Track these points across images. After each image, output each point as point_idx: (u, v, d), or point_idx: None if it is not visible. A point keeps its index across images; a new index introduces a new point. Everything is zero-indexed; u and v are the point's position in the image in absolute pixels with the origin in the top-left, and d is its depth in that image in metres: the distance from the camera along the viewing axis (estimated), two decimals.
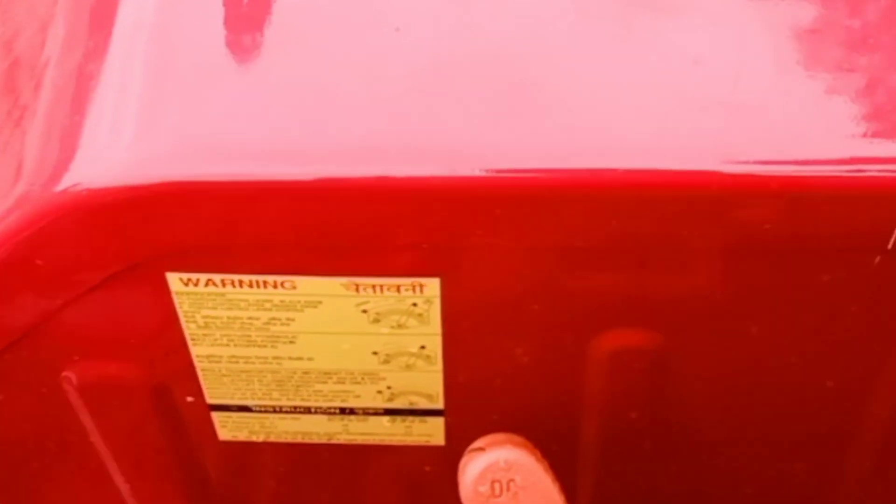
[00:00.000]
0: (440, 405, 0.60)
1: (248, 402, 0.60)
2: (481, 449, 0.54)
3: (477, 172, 0.47)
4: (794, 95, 0.48)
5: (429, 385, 0.59)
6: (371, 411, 0.61)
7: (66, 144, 0.50)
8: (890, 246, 0.49)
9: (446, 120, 0.48)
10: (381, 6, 0.51)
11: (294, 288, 0.53)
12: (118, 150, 0.49)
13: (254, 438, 0.63)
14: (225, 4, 0.52)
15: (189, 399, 0.60)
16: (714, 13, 0.51)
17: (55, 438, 0.63)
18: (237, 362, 0.57)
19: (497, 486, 0.53)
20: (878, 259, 0.50)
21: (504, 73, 0.49)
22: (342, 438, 0.63)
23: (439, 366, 0.57)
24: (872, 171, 0.47)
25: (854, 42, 0.50)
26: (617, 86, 0.49)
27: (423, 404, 0.60)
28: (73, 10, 0.54)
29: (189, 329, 0.55)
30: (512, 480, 0.53)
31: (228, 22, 0.51)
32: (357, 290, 0.53)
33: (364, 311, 0.54)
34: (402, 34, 0.50)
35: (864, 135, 0.48)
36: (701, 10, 0.51)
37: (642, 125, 0.48)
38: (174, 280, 0.52)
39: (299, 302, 0.53)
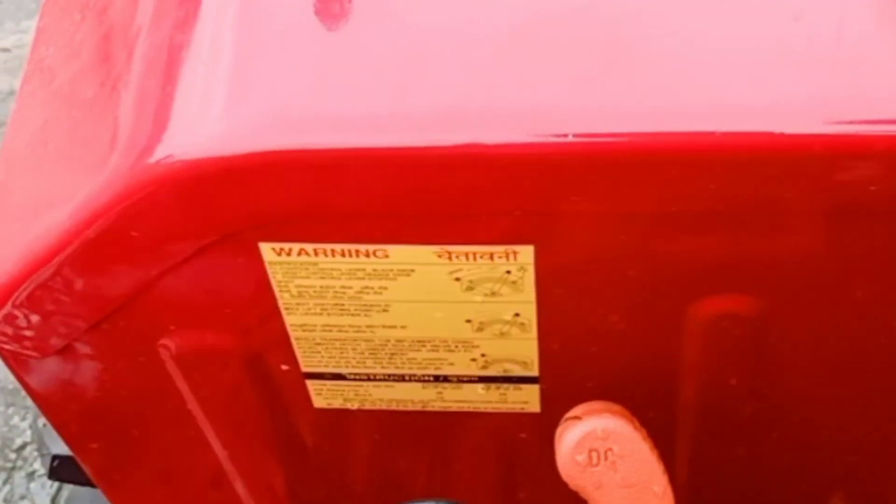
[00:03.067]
0: (535, 372, 0.60)
1: (342, 370, 0.60)
2: (578, 418, 0.53)
3: (570, 138, 0.46)
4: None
5: (523, 352, 0.58)
6: (465, 379, 0.60)
7: (159, 115, 0.50)
8: None
9: (537, 82, 0.47)
10: None
11: (386, 256, 0.52)
12: (210, 120, 0.49)
13: (348, 406, 0.63)
14: None
15: (284, 367, 0.60)
16: None
17: (154, 406, 0.63)
18: (331, 331, 0.57)
19: (594, 455, 0.52)
20: None
21: (596, 32, 0.48)
22: (436, 406, 0.63)
23: (534, 333, 0.57)
24: None
25: None
26: (714, 45, 0.47)
27: (518, 371, 0.60)
28: None
29: (283, 298, 0.55)
30: (610, 449, 0.52)
31: None
32: (450, 257, 0.52)
33: (457, 280, 0.53)
34: None
35: None
36: None
37: (741, 85, 0.47)
38: (267, 250, 0.52)
39: (392, 270, 0.53)
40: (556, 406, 0.59)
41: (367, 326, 0.57)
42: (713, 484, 0.68)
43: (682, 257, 0.52)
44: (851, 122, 0.46)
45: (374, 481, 0.72)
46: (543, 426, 0.63)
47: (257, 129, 0.48)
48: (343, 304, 0.55)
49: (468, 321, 0.56)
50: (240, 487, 0.70)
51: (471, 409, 0.63)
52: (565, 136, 0.46)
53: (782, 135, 0.46)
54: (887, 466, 0.66)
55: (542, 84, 0.47)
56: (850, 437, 0.64)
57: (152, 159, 0.49)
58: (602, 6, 0.49)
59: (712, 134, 0.46)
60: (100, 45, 0.58)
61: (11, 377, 0.61)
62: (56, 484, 1.29)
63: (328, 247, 0.52)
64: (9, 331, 0.55)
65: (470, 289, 0.54)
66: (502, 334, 0.57)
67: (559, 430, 0.54)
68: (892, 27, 0.47)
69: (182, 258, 0.52)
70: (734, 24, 0.48)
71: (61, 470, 0.86)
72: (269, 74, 0.49)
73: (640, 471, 0.52)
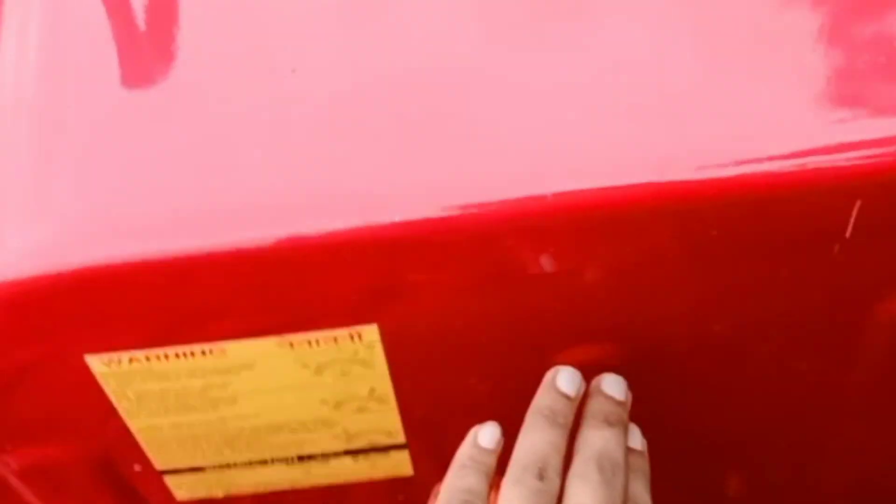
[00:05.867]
0: (401, 440, 0.57)
1: (200, 463, 0.57)
2: None
3: (396, 218, 0.44)
4: (722, 92, 0.45)
5: (386, 423, 0.56)
6: (331, 454, 0.58)
7: None
8: (848, 234, 0.46)
9: (358, 164, 0.45)
10: (274, 46, 0.47)
11: (224, 354, 0.49)
12: (13, 238, 0.45)
13: (214, 495, 0.60)
14: (108, 69, 0.48)
15: (137, 468, 0.57)
16: (627, 11, 0.47)
17: None
18: (179, 428, 0.54)
19: None
20: (836, 247, 0.47)
21: (414, 105, 0.46)
22: (306, 483, 0.60)
23: (393, 404, 0.54)
24: (817, 162, 0.44)
25: (780, 30, 0.46)
26: (534, 105, 0.45)
27: (384, 441, 0.57)
28: None
29: (121, 405, 0.52)
30: None
31: (115, 87, 0.47)
32: (292, 346, 0.49)
33: (304, 366, 0.51)
34: (300, 75, 0.47)
35: (803, 126, 0.44)
36: (613, 9, 0.47)
37: (565, 143, 0.45)
38: (95, 363, 0.49)
39: (233, 366, 0.50)
40: (430, 467, 0.57)
41: (218, 419, 0.54)
42: None
43: (533, 317, 0.50)
44: (681, 170, 0.44)
45: None
46: (419, 487, 0.61)
47: (64, 244, 0.45)
48: (187, 403, 0.52)
49: (323, 402, 0.54)
50: None
51: (342, 482, 0.61)
52: (392, 217, 0.44)
53: (610, 189, 0.44)
54: (769, 478, 0.66)
55: (363, 164, 0.45)
56: (731, 456, 0.63)
57: None
58: (416, 77, 0.46)
59: (542, 198, 0.44)
60: None
61: None
62: None
63: (160, 352, 0.49)
64: None
65: (319, 373, 0.51)
66: (361, 409, 0.55)
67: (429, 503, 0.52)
68: (714, 70, 0.45)
69: (2, 381, 0.49)
70: (553, 80, 0.46)
71: None
72: (72, 184, 0.46)
73: None
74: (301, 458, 0.58)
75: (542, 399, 0.50)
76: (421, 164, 0.45)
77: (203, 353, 0.49)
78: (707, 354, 0.54)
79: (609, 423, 0.49)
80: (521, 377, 0.54)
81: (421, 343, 0.51)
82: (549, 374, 0.50)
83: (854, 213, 0.45)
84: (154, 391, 0.51)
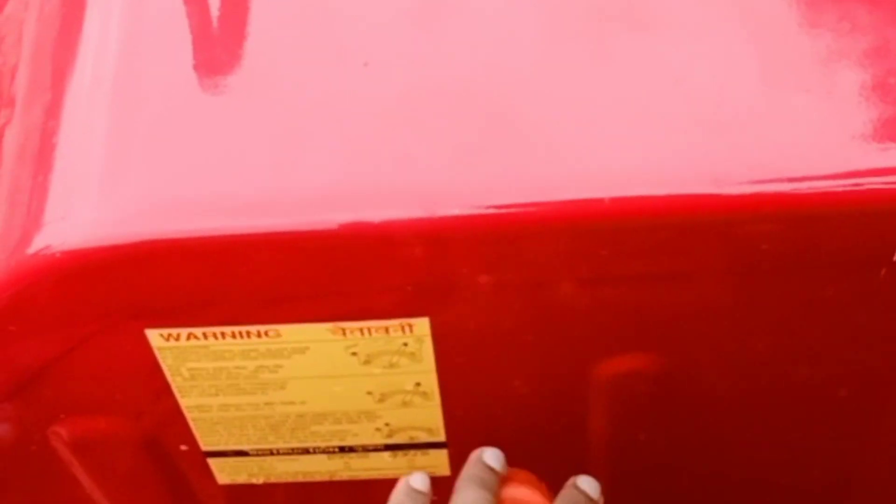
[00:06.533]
0: (442, 438, 0.59)
1: (244, 447, 0.59)
2: None
3: (456, 212, 0.45)
4: (781, 110, 0.46)
5: (428, 420, 0.57)
6: (371, 448, 0.59)
7: (33, 206, 0.48)
8: None
9: (421, 158, 0.46)
10: (347, 41, 0.49)
11: (279, 336, 0.51)
12: (87, 209, 0.47)
13: (253, 481, 0.62)
14: (185, 53, 0.50)
15: (183, 448, 0.58)
16: (691, 28, 0.48)
17: (51, 495, 0.61)
18: (228, 410, 0.56)
19: None
20: (883, 271, 0.48)
21: (479, 105, 0.47)
22: (344, 475, 0.61)
23: (437, 401, 0.56)
24: (871, 184, 0.45)
25: (841, 52, 0.48)
26: (597, 112, 0.47)
27: (424, 438, 0.59)
28: (33, 62, 0.52)
29: (175, 381, 0.53)
30: None
31: (191, 70, 0.49)
32: (344, 333, 0.51)
33: (354, 354, 0.52)
34: (371, 69, 0.48)
35: (859, 147, 0.45)
36: (678, 25, 0.48)
37: (625, 151, 0.46)
38: (154, 336, 0.50)
39: (286, 349, 0.52)
40: None
41: (266, 404, 0.55)
42: None
43: (579, 321, 0.51)
44: (738, 183, 0.45)
45: None
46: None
47: (135, 217, 0.46)
48: (238, 384, 0.54)
49: (369, 393, 0.55)
50: None
51: (380, 477, 0.62)
52: (450, 210, 0.45)
53: (667, 197, 0.45)
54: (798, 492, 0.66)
55: (425, 158, 0.46)
56: (762, 479, 0.64)
57: (28, 251, 0.47)
58: (483, 78, 0.48)
59: (600, 201, 0.45)
60: None
61: None
62: None
63: (218, 330, 0.50)
64: None
65: (368, 362, 0.53)
66: (405, 403, 0.56)
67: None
68: (774, 87, 0.47)
69: (64, 349, 0.50)
70: (616, 90, 0.47)
71: None
72: (145, 159, 0.47)
73: None
74: (342, 450, 0.59)
75: (470, 470, 0.51)
76: (482, 162, 0.46)
77: (258, 334, 0.51)
78: (746, 373, 0.55)
79: None
80: (562, 383, 0.56)
81: (469, 340, 0.52)
82: (474, 453, 0.52)
83: None
84: (208, 370, 0.53)
